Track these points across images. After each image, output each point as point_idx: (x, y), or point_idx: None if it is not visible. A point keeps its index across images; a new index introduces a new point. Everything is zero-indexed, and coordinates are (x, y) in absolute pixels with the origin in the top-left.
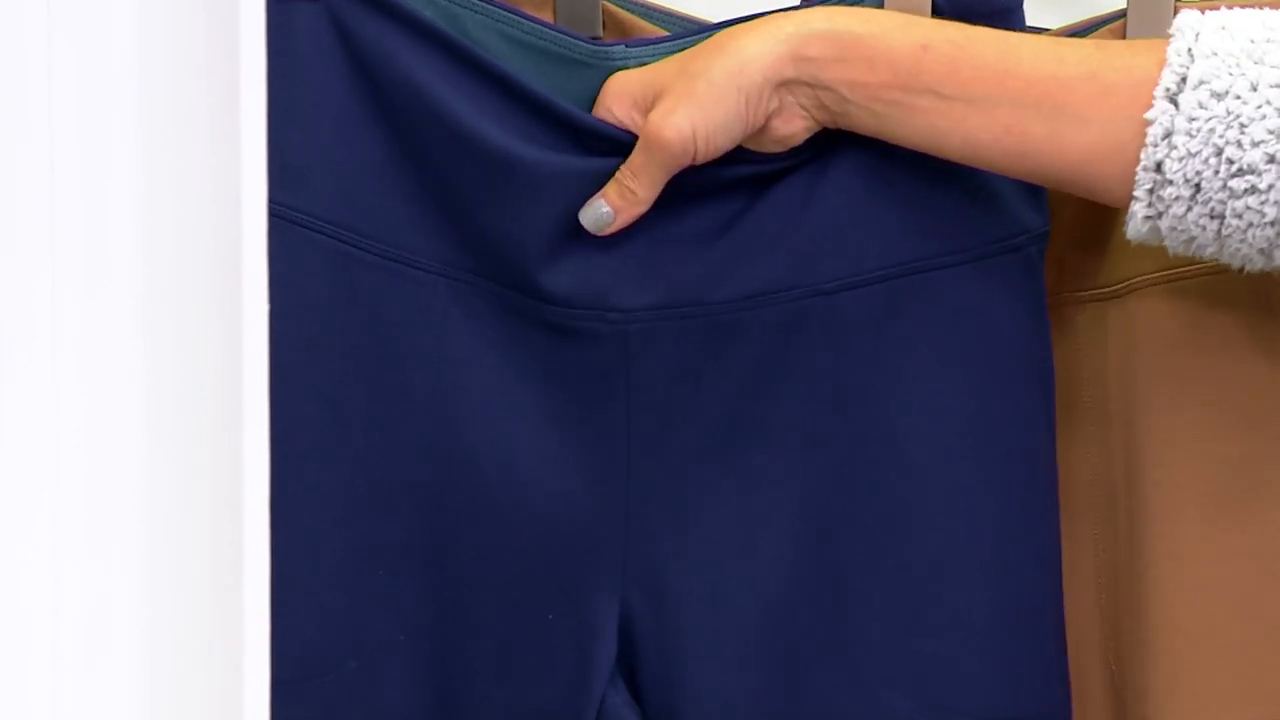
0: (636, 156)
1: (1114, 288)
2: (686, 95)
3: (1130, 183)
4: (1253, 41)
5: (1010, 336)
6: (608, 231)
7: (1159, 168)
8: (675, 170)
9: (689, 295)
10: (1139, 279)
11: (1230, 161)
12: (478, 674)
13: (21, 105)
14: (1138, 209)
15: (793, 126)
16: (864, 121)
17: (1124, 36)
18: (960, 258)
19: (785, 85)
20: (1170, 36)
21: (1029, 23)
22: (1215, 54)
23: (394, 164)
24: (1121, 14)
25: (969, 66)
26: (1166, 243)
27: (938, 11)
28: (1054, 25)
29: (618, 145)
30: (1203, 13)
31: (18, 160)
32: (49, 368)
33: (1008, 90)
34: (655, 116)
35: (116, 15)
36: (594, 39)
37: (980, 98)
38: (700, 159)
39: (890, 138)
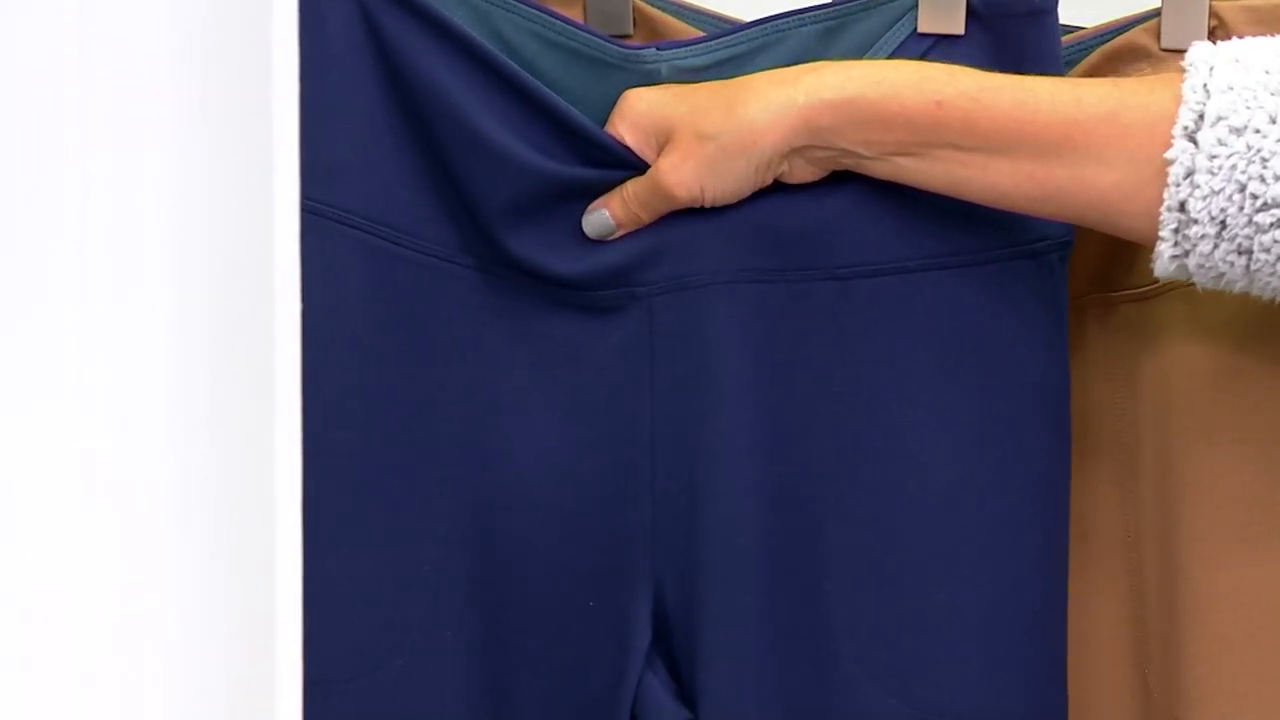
0: (644, 192)
1: (1148, 288)
2: (697, 157)
3: (1155, 221)
4: (1268, 73)
5: (1022, 341)
6: (610, 239)
7: (1183, 207)
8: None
9: (708, 265)
10: (1176, 280)
11: (1254, 196)
12: (523, 666)
13: (54, 102)
14: (1164, 249)
15: (803, 176)
16: (882, 171)
17: (1159, 35)
18: (976, 259)
19: (797, 150)
20: (1185, 71)
21: (1063, 22)
22: (1231, 88)
23: (423, 161)
24: (1155, 13)
25: (985, 118)
26: (1195, 280)
27: (972, 12)
28: (1088, 24)
29: (626, 163)
30: (1215, 43)
31: (50, 158)
32: (79, 368)
33: (1027, 137)
34: (667, 167)
35: (149, 11)
36: (624, 37)
37: (1000, 147)
38: (707, 206)
39: (910, 184)
